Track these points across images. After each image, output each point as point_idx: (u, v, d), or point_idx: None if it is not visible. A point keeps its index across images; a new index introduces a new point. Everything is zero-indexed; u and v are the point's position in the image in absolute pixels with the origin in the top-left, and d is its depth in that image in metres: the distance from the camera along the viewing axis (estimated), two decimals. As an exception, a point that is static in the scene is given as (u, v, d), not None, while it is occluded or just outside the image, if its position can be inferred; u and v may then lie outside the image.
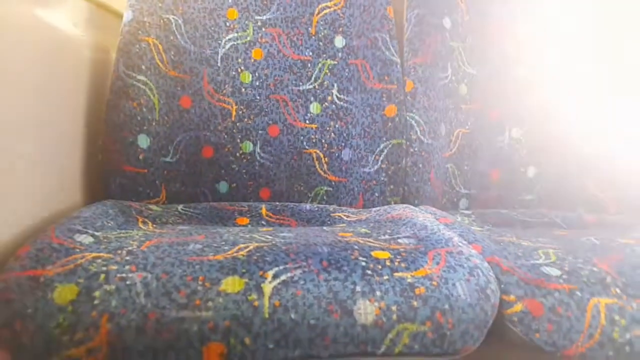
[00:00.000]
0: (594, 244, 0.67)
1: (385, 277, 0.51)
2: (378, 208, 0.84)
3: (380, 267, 0.52)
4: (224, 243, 0.56)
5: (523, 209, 0.96)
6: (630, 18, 1.01)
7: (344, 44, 0.92)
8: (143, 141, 0.81)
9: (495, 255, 0.59)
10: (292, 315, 0.47)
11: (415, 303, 0.49)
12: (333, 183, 0.90)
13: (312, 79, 0.91)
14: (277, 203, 0.84)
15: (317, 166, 0.89)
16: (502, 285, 0.55)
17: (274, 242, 0.57)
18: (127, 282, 0.47)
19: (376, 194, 0.89)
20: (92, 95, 0.81)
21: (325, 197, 0.90)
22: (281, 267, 0.51)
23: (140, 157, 0.80)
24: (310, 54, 0.91)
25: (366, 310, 0.48)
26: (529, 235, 0.73)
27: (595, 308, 0.52)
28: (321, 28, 0.92)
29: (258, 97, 0.89)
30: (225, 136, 0.87)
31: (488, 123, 0.98)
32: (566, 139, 0.98)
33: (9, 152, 0.57)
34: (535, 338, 0.51)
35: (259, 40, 0.90)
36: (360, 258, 0.54)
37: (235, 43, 0.89)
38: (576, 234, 0.75)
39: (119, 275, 0.47)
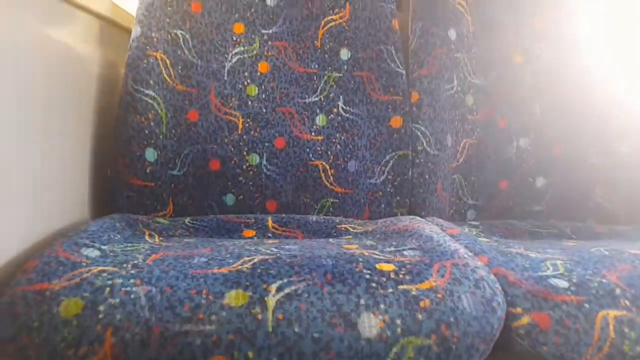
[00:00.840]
0: (604, 254, 0.65)
1: (390, 290, 0.51)
2: (384, 219, 0.83)
3: (384, 279, 0.52)
4: (228, 256, 0.56)
5: (532, 219, 0.95)
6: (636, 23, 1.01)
7: (349, 56, 0.93)
8: (150, 155, 0.82)
9: (501, 267, 0.59)
10: (296, 329, 0.47)
11: (420, 316, 0.49)
12: (339, 195, 0.90)
13: (318, 91, 0.91)
14: (283, 215, 0.84)
15: (323, 178, 0.90)
16: (509, 298, 0.54)
17: (278, 255, 0.57)
18: (132, 296, 0.47)
19: (382, 206, 0.89)
20: (100, 110, 0.83)
21: (331, 209, 0.90)
22: (285, 280, 0.51)
23: (148, 170, 0.81)
24: (316, 66, 0.92)
25: (370, 324, 0.48)
26: (537, 247, 0.72)
27: (604, 320, 0.51)
28: (327, 41, 0.93)
29: (264, 110, 0.90)
30: (232, 149, 0.88)
31: (495, 133, 0.98)
32: (575, 149, 0.98)
33: (18, 167, 0.58)
34: (542, 351, 0.51)
35: (265, 53, 0.91)
36: (365, 271, 0.53)
37: (241, 57, 0.90)
38: (585, 245, 0.74)
39: (123, 289, 0.48)
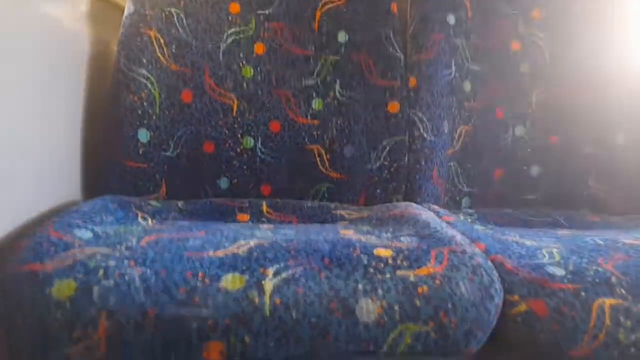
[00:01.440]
0: (598, 244, 0.66)
1: (388, 276, 0.50)
2: (380, 205, 0.83)
3: (382, 265, 0.52)
4: (224, 239, 0.56)
5: (526, 208, 0.95)
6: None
7: (347, 39, 0.91)
8: (143, 135, 0.80)
9: (498, 254, 0.59)
10: (293, 314, 0.46)
11: (417, 302, 0.49)
12: (335, 180, 0.89)
13: (315, 74, 0.90)
14: (278, 200, 0.84)
15: (319, 163, 0.89)
16: (506, 285, 0.54)
17: (274, 239, 0.56)
18: (126, 278, 0.46)
19: (378, 191, 0.88)
20: (92, 88, 0.80)
21: (326, 194, 0.89)
22: (282, 265, 0.50)
23: (141, 151, 0.80)
24: (313, 48, 0.91)
25: (368, 309, 0.48)
26: (532, 235, 0.72)
27: (600, 308, 0.52)
28: (324, 23, 0.91)
29: (260, 92, 0.88)
30: (227, 131, 0.86)
31: (492, 121, 0.97)
32: (570, 139, 0.98)
33: (9, 146, 0.56)
34: (539, 338, 0.51)
35: (261, 34, 0.89)
36: (362, 256, 0.53)
37: (237, 37, 0.88)
38: (579, 234, 0.74)
39: (117, 271, 0.47)
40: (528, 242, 0.66)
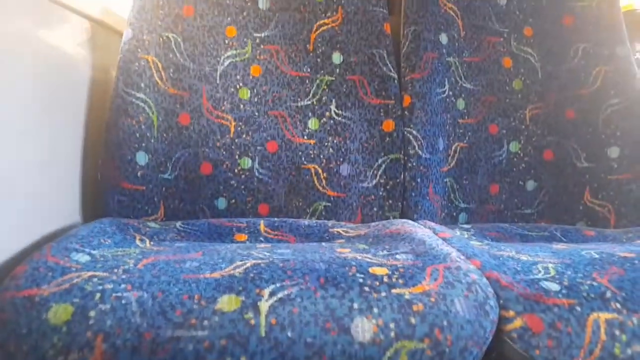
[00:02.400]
0: (594, 257, 0.66)
1: (383, 294, 0.51)
2: (377, 223, 0.83)
3: (377, 283, 0.52)
4: (220, 260, 0.56)
5: (522, 222, 0.96)
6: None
7: (341, 60, 0.93)
8: (141, 158, 0.81)
9: (494, 270, 0.59)
10: (289, 334, 0.46)
11: (413, 320, 0.49)
12: (332, 198, 0.90)
13: (310, 95, 0.91)
14: (276, 219, 0.84)
15: (316, 181, 0.89)
16: (501, 301, 0.54)
17: (271, 259, 0.57)
18: (123, 302, 0.46)
19: (375, 209, 0.89)
20: (91, 113, 0.82)
21: (323, 213, 0.89)
22: (278, 285, 0.50)
23: (139, 174, 0.81)
24: (309, 70, 0.92)
25: (364, 328, 0.48)
26: (528, 250, 0.72)
27: (595, 323, 0.52)
28: (319, 45, 0.93)
29: (256, 114, 0.89)
30: (224, 152, 0.88)
31: (486, 137, 0.98)
32: (565, 153, 0.99)
33: (8, 170, 0.57)
34: (535, 355, 0.51)
35: (257, 57, 0.91)
36: (358, 275, 0.53)
37: (234, 60, 0.90)
38: (576, 248, 0.74)
39: (114, 294, 0.47)
40: (524, 257, 0.67)
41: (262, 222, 0.81)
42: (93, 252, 0.57)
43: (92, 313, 0.45)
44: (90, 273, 0.50)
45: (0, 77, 0.55)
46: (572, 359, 0.50)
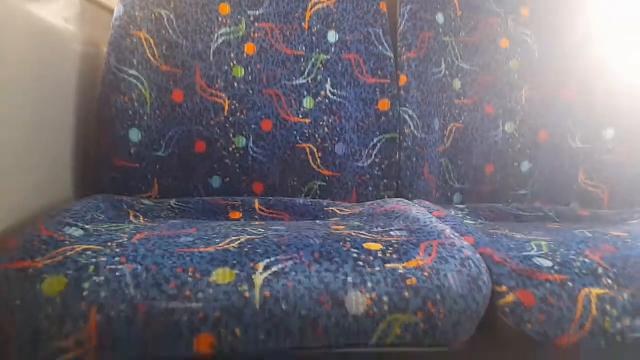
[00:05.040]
0: (586, 236, 0.67)
1: (377, 268, 0.51)
2: (371, 202, 0.84)
3: (372, 258, 0.52)
4: (215, 235, 0.56)
5: (517, 203, 0.96)
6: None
7: (337, 38, 0.92)
8: (134, 135, 0.80)
9: (487, 246, 0.59)
10: (283, 306, 0.47)
11: (406, 294, 0.49)
12: (326, 177, 0.89)
13: (305, 73, 0.91)
14: (270, 197, 0.84)
15: (311, 160, 0.89)
16: (494, 276, 0.54)
17: (265, 235, 0.57)
18: (117, 274, 0.46)
19: (370, 188, 0.89)
20: (83, 89, 0.81)
21: (318, 192, 0.89)
22: (272, 259, 0.50)
23: (132, 151, 0.80)
24: (303, 48, 0.91)
25: (357, 301, 0.48)
26: (521, 228, 0.73)
27: (587, 298, 0.52)
28: (314, 23, 0.92)
29: (251, 92, 0.89)
30: (218, 130, 0.87)
31: (482, 117, 0.98)
32: (559, 134, 0.99)
33: (-1, 146, 0.56)
34: (526, 328, 0.51)
35: (252, 34, 0.90)
36: (352, 249, 0.53)
37: (227, 37, 0.89)
38: (569, 227, 0.75)
39: (108, 266, 0.47)
40: (517, 236, 0.67)
41: (256, 200, 0.81)
42: (86, 226, 0.56)
43: (86, 285, 0.45)
44: (84, 246, 0.50)
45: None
46: (563, 333, 0.51)
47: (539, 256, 0.58)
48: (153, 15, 0.84)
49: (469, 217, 0.84)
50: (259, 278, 0.48)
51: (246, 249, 0.52)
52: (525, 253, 0.59)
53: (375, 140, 0.89)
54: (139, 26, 0.83)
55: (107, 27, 0.82)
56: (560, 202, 0.98)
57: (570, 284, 0.54)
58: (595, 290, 0.53)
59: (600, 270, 0.56)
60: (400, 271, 0.51)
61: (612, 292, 0.53)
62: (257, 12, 0.90)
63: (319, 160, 0.89)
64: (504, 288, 0.53)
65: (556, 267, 0.56)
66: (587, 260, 0.57)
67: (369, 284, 0.49)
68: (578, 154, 0.98)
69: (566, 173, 0.98)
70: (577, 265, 0.56)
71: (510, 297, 0.53)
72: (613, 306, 0.52)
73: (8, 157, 0.58)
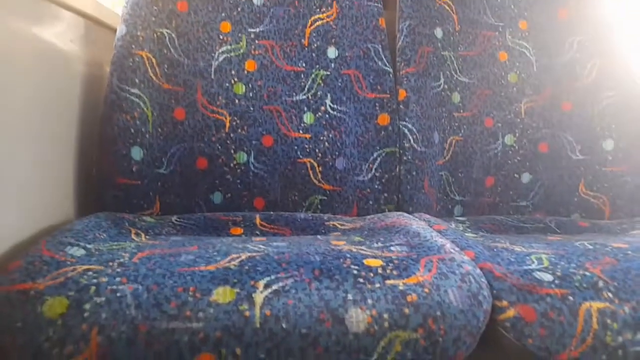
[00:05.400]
0: (587, 248, 0.66)
1: (377, 285, 0.51)
2: (372, 216, 0.84)
3: (372, 275, 0.52)
4: (216, 253, 0.56)
5: (518, 215, 0.96)
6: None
7: (336, 54, 0.93)
8: (136, 153, 0.81)
9: (487, 261, 0.59)
10: (284, 325, 0.47)
11: (407, 310, 0.49)
12: (327, 192, 0.90)
13: (306, 89, 0.91)
14: (271, 212, 0.84)
15: (311, 175, 0.90)
16: (495, 291, 0.54)
17: (266, 252, 0.57)
18: (118, 294, 0.47)
19: (370, 202, 0.89)
20: (86, 109, 0.82)
21: (319, 206, 0.90)
22: (273, 277, 0.51)
23: (134, 169, 0.81)
24: (304, 65, 0.92)
25: (358, 319, 0.48)
26: (522, 241, 0.73)
27: (587, 312, 0.52)
28: (314, 39, 0.93)
29: (252, 108, 0.90)
30: (219, 147, 0.88)
31: (481, 130, 0.98)
32: (559, 146, 0.99)
33: (2, 166, 0.57)
34: (528, 344, 0.51)
35: (252, 52, 0.91)
36: (353, 266, 0.54)
37: (228, 55, 0.90)
38: (570, 239, 0.75)
39: (109, 287, 0.47)
40: (517, 249, 0.67)
41: (257, 216, 0.81)
42: (88, 246, 0.57)
43: (87, 306, 0.45)
44: (85, 266, 0.51)
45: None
46: (564, 348, 0.51)
47: (539, 270, 0.58)
48: (155, 35, 0.86)
49: (469, 230, 0.84)
50: (259, 297, 0.48)
51: (247, 267, 0.52)
52: (525, 267, 0.59)
53: (375, 154, 0.90)
54: (141, 46, 0.84)
55: (110, 47, 0.84)
56: (561, 213, 0.98)
57: (571, 298, 0.53)
58: (596, 304, 0.53)
59: (600, 283, 0.55)
60: (401, 288, 0.51)
61: (613, 305, 0.53)
62: (257, 30, 0.92)
63: (319, 175, 0.90)
64: (504, 303, 0.53)
65: (557, 281, 0.55)
66: (587, 273, 0.57)
67: (370, 301, 0.49)
68: (578, 165, 0.98)
69: (567, 184, 0.98)
70: (577, 279, 0.56)
71: (511, 312, 0.53)
72: (614, 320, 0.52)
73: (11, 176, 0.59)
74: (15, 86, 0.60)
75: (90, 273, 0.49)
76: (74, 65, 0.79)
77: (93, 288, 0.47)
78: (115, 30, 0.85)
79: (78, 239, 0.57)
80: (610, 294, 0.54)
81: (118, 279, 0.49)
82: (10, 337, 0.43)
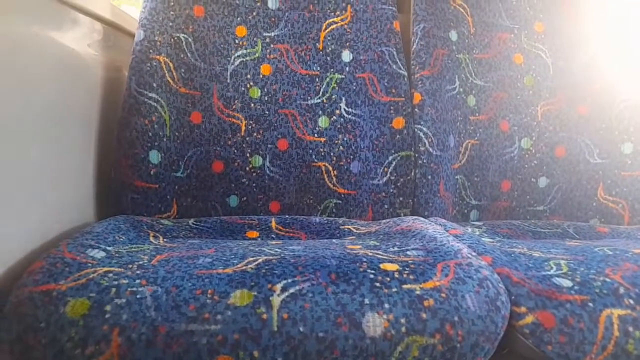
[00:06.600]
0: (607, 254, 0.66)
1: (394, 290, 0.51)
2: (388, 220, 0.84)
3: (388, 279, 0.52)
4: (233, 257, 0.57)
5: (535, 219, 0.95)
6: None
7: (351, 58, 0.93)
8: (154, 157, 0.82)
9: (505, 266, 0.59)
10: (301, 328, 0.47)
11: (424, 315, 0.49)
12: (342, 195, 0.90)
13: (320, 93, 0.92)
14: (287, 216, 0.85)
15: (326, 179, 0.90)
16: (513, 297, 0.54)
17: (282, 255, 0.57)
18: (138, 296, 0.47)
19: (385, 206, 0.89)
20: (104, 113, 0.83)
21: (334, 210, 0.90)
22: (290, 280, 0.51)
23: (152, 172, 0.82)
24: (318, 68, 0.93)
25: (375, 323, 0.48)
26: (540, 246, 0.72)
27: (608, 319, 0.51)
28: (328, 43, 0.93)
29: (267, 112, 0.90)
30: (235, 151, 0.88)
31: (497, 134, 0.98)
32: (577, 149, 0.98)
33: (23, 169, 0.58)
34: (547, 350, 0.51)
35: (268, 56, 0.92)
36: (369, 270, 0.54)
37: (244, 59, 0.91)
38: (589, 245, 0.74)
39: (129, 289, 0.48)
40: (536, 254, 0.66)
41: (273, 219, 0.82)
42: (108, 248, 0.58)
43: (108, 307, 0.46)
44: (105, 268, 0.51)
45: (13, 79, 0.57)
46: (584, 355, 0.50)
47: (558, 276, 0.57)
48: (172, 40, 0.87)
49: (486, 235, 0.83)
50: (276, 300, 0.48)
51: (264, 270, 0.52)
52: (544, 273, 0.58)
53: (390, 158, 0.90)
54: (159, 50, 0.85)
55: (129, 52, 0.85)
56: (579, 218, 0.96)
57: (591, 304, 0.53)
58: (617, 311, 0.52)
59: (621, 290, 0.55)
60: (418, 292, 0.51)
61: (635, 313, 0.52)
62: (272, 34, 0.92)
63: (334, 179, 0.90)
64: (523, 309, 0.53)
65: (576, 287, 0.55)
66: (607, 279, 0.56)
67: (386, 306, 0.49)
68: (597, 169, 0.97)
69: (585, 189, 0.97)
70: (597, 285, 0.55)
71: (529, 318, 0.52)
72: (636, 328, 0.51)
73: (33, 179, 0.60)
74: (36, 90, 0.61)
75: (110, 275, 0.50)
76: (93, 70, 0.80)
77: (114, 290, 0.48)
78: (133, 35, 0.86)
79: (98, 242, 0.58)
80: (631, 301, 0.53)
81: (138, 281, 0.49)
82: (35, 336, 0.44)
